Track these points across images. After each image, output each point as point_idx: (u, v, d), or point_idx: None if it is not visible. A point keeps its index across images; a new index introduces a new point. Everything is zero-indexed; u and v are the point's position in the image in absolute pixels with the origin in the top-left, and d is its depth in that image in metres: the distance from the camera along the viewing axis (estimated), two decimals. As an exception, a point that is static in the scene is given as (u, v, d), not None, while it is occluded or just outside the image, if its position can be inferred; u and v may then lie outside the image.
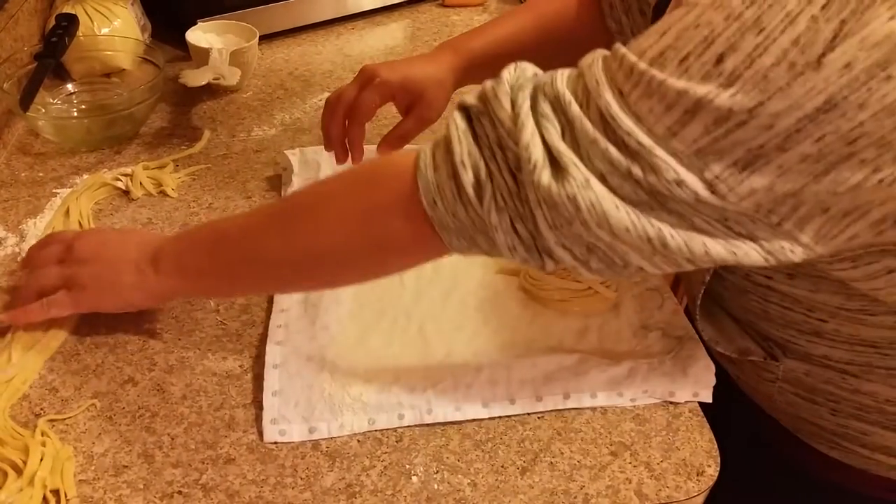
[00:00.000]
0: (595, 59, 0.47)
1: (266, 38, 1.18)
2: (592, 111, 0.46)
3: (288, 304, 0.71)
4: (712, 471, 0.61)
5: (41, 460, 0.57)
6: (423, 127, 0.81)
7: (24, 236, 0.79)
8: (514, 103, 0.48)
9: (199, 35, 1.05)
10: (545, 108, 0.47)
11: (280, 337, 0.68)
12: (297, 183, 0.86)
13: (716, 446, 0.62)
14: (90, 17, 1.02)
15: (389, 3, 1.31)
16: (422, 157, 0.52)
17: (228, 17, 1.10)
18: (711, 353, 0.68)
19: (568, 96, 0.47)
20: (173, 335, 0.69)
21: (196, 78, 0.96)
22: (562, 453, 0.61)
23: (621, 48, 0.46)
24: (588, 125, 0.45)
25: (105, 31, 1.03)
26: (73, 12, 1.00)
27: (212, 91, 1.05)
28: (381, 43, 1.23)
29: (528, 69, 0.51)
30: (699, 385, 0.65)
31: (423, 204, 0.51)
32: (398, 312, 0.72)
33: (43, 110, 0.92)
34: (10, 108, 0.91)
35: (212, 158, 0.93)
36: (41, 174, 0.89)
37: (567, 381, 0.65)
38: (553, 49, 0.80)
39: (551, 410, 0.64)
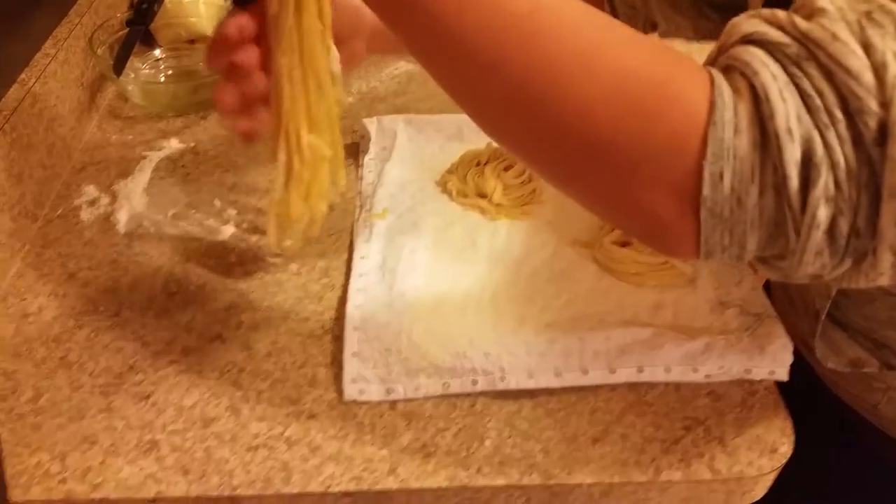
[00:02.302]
0: None
1: (343, 7, 1.19)
2: None
3: (366, 269, 0.73)
4: (786, 448, 0.60)
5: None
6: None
7: (115, 197, 0.83)
8: (866, 45, 0.34)
9: (280, 3, 1.07)
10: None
11: (359, 301, 0.70)
12: (373, 151, 0.88)
13: (790, 424, 0.62)
14: (176, -16, 1.05)
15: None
16: (718, 108, 0.36)
17: (308, -14, 1.12)
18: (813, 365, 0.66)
19: None
20: (259, 295, 0.72)
21: (278, 46, 0.98)
22: (634, 426, 0.62)
23: None
24: None
25: (190, -3, 1.05)
26: (161, -21, 1.03)
27: (291, 59, 1.07)
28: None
29: None
30: (776, 363, 0.64)
31: (705, 173, 0.36)
32: (472, 281, 0.73)
33: (132, 75, 0.95)
34: (103, 73, 0.95)
35: (292, 125, 0.95)
36: (130, 137, 0.92)
37: (641, 355, 0.65)
38: None
39: (624, 383, 0.65)
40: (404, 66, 1.07)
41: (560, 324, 0.68)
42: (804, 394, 0.66)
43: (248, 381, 0.64)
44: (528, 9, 0.38)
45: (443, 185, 0.84)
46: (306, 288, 0.73)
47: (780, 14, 0.37)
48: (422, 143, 0.91)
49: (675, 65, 0.38)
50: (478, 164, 0.84)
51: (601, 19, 0.39)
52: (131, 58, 0.93)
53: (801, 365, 0.66)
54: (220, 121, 0.95)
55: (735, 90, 0.37)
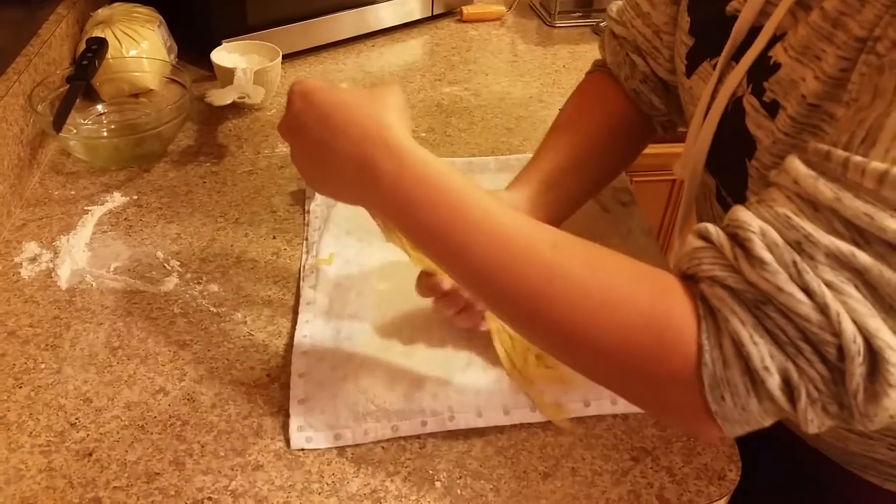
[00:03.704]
0: (824, 185, 0.41)
1: (289, 57, 1.20)
2: (884, 253, 0.40)
3: (312, 315, 0.73)
4: (734, 475, 0.61)
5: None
6: None
7: (57, 252, 0.82)
8: (807, 290, 0.41)
9: (224, 55, 1.08)
10: (828, 274, 0.41)
11: (305, 347, 0.69)
12: (320, 197, 0.88)
13: (737, 451, 0.63)
14: (118, 40, 1.05)
15: (408, 20, 1.33)
16: (706, 350, 0.43)
17: (252, 38, 1.13)
18: None
19: (846, 246, 0.40)
20: (203, 346, 0.71)
21: (222, 97, 0.98)
22: (583, 459, 0.62)
23: (858, 160, 0.40)
24: (890, 273, 0.40)
25: (133, 52, 1.06)
26: (103, 36, 1.04)
27: (237, 109, 1.07)
28: (401, 59, 1.26)
29: (754, 222, 0.43)
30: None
31: (708, 398, 0.44)
32: (419, 322, 0.73)
33: (74, 131, 0.95)
34: (44, 129, 0.94)
35: (237, 175, 0.95)
36: (73, 192, 0.92)
37: (587, 389, 0.66)
38: (598, 158, 0.77)
39: (572, 417, 0.65)
40: (350, 113, 1.09)
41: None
42: None
43: (191, 434, 0.63)
44: (545, 278, 0.47)
45: (389, 229, 0.84)
46: (252, 337, 0.72)
47: (727, 250, 0.44)
48: (368, 188, 0.91)
49: (668, 299, 0.46)
50: (423, 207, 0.85)
51: (606, 268, 0.48)
52: (74, 113, 0.93)
53: None
54: (164, 173, 0.94)
55: (720, 333, 0.44)
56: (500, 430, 0.64)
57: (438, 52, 1.28)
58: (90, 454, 0.62)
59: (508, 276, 0.48)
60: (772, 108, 0.54)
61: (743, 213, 0.44)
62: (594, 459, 0.62)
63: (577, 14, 1.39)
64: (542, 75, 1.21)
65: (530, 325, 0.49)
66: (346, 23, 1.26)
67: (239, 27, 1.14)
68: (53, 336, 0.72)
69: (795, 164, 0.43)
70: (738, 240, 0.44)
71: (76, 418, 0.64)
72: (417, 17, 1.34)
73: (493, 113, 1.09)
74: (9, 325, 0.73)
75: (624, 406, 0.65)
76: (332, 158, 0.53)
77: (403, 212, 0.51)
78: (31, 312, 0.75)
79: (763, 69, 0.54)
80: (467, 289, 0.53)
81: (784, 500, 0.73)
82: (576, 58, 1.27)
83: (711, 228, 0.46)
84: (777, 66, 0.53)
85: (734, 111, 0.58)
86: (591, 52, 1.29)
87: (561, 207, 0.75)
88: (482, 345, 0.70)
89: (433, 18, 1.38)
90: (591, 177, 0.78)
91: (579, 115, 0.80)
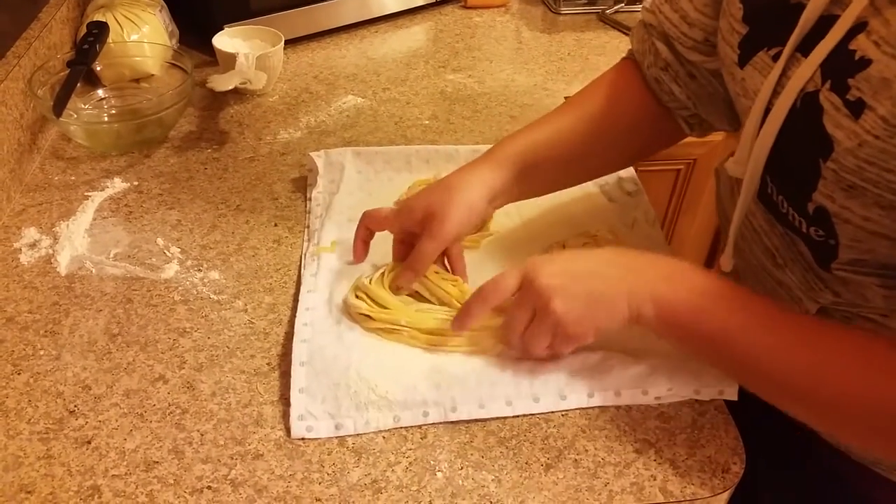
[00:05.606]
0: None
1: (291, 43, 1.19)
2: None
3: (313, 303, 0.72)
4: (737, 468, 0.61)
5: None
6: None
7: (57, 238, 0.81)
8: None
9: (226, 40, 1.07)
10: None
11: (306, 335, 0.69)
12: (321, 184, 0.87)
13: (741, 444, 0.62)
14: (120, 25, 1.04)
15: (412, 6, 1.32)
16: None
17: (254, 22, 1.12)
18: None
19: None
20: (203, 334, 0.70)
21: (223, 82, 0.97)
22: (586, 450, 0.61)
23: None
24: None
25: (134, 37, 1.05)
26: (104, 20, 1.03)
27: (239, 95, 1.06)
28: (404, 45, 1.24)
29: None
30: (724, 383, 0.65)
31: None
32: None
33: (75, 115, 0.94)
34: (44, 114, 0.93)
35: (239, 161, 0.94)
36: (73, 178, 0.91)
37: (591, 380, 0.65)
38: (601, 145, 0.76)
39: (575, 409, 0.64)
40: (353, 101, 1.08)
41: (510, 351, 0.68)
42: (755, 411, 0.67)
43: (191, 423, 0.63)
44: (806, 365, 0.56)
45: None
46: (252, 324, 0.72)
47: None
48: (370, 175, 0.91)
49: None
50: (426, 195, 0.84)
51: (842, 361, 0.55)
52: (74, 98, 0.92)
53: None
54: (165, 158, 0.94)
55: None
56: (502, 420, 0.64)
57: (442, 39, 1.27)
58: (89, 442, 0.61)
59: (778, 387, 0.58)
60: (856, 108, 0.50)
61: None
62: (597, 451, 0.61)
63: (583, 1, 1.38)
64: (547, 63, 1.20)
65: (789, 404, 0.59)
66: (349, 8, 1.24)
67: (241, 12, 1.13)
68: (52, 322, 0.72)
69: None
70: None
71: (75, 405, 0.64)
72: (421, 3, 1.33)
73: (498, 101, 1.08)
74: (7, 310, 0.73)
75: (627, 398, 0.64)
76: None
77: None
78: (31, 298, 0.74)
79: (845, 64, 0.50)
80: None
81: (791, 492, 0.73)
82: (581, 45, 1.26)
83: None
84: (866, 61, 0.49)
85: (806, 108, 0.54)
86: (596, 40, 1.28)
87: (536, 186, 0.77)
88: (486, 337, 0.69)
89: (437, 4, 1.36)
90: (578, 159, 0.76)
91: (585, 96, 0.78)
